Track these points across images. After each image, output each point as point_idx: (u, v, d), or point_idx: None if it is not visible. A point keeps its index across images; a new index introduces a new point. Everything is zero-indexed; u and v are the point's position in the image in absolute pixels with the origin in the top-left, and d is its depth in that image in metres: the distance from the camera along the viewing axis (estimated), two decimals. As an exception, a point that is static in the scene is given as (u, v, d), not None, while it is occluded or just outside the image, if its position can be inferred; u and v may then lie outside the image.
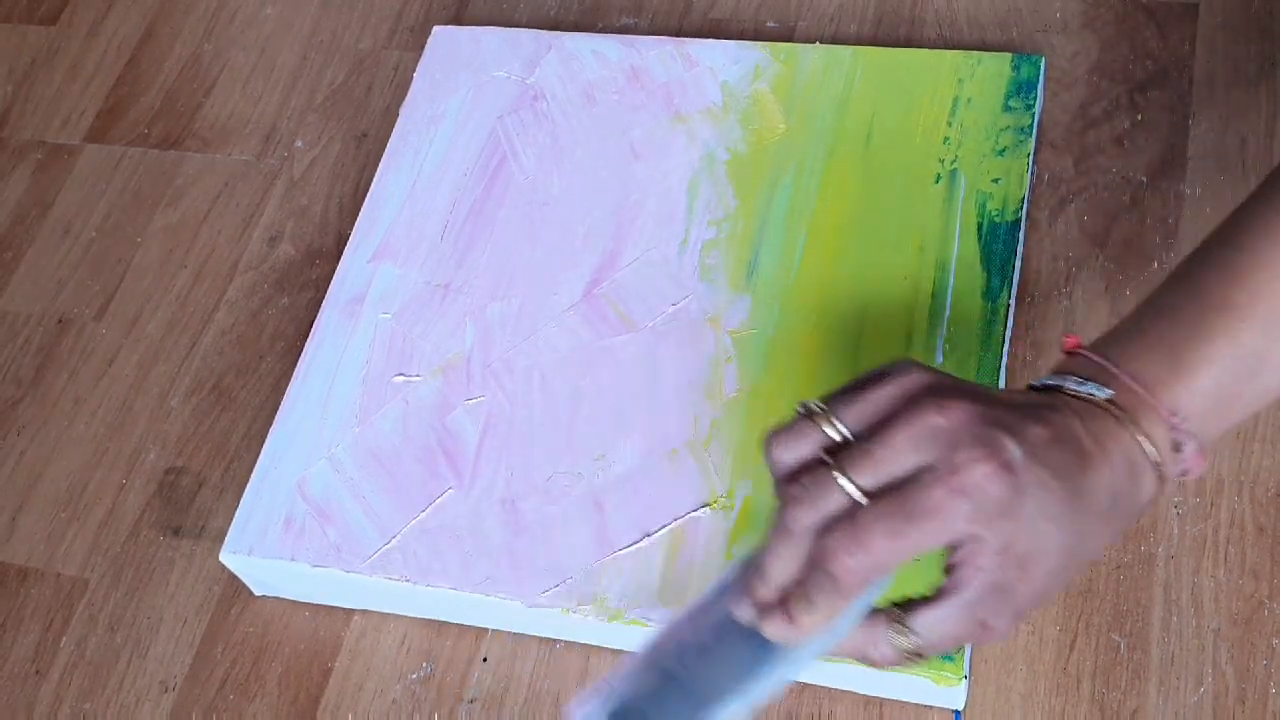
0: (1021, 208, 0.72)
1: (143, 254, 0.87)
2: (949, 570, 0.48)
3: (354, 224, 0.80)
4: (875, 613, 0.50)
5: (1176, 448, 0.50)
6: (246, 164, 0.90)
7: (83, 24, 1.00)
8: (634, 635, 0.65)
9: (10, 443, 0.81)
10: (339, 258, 0.79)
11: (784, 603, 0.49)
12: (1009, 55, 0.78)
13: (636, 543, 0.66)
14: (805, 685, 0.64)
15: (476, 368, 0.73)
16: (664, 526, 0.66)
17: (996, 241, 0.71)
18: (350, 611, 0.71)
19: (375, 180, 0.81)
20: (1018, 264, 0.72)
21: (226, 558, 0.70)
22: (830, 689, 0.64)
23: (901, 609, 0.49)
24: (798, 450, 0.50)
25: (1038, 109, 0.76)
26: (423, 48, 0.87)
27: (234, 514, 0.71)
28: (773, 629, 0.49)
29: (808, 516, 0.48)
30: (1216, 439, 0.52)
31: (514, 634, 0.68)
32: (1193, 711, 0.61)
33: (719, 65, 0.81)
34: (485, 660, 0.68)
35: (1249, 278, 0.50)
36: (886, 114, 0.77)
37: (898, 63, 0.79)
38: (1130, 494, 0.50)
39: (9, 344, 0.85)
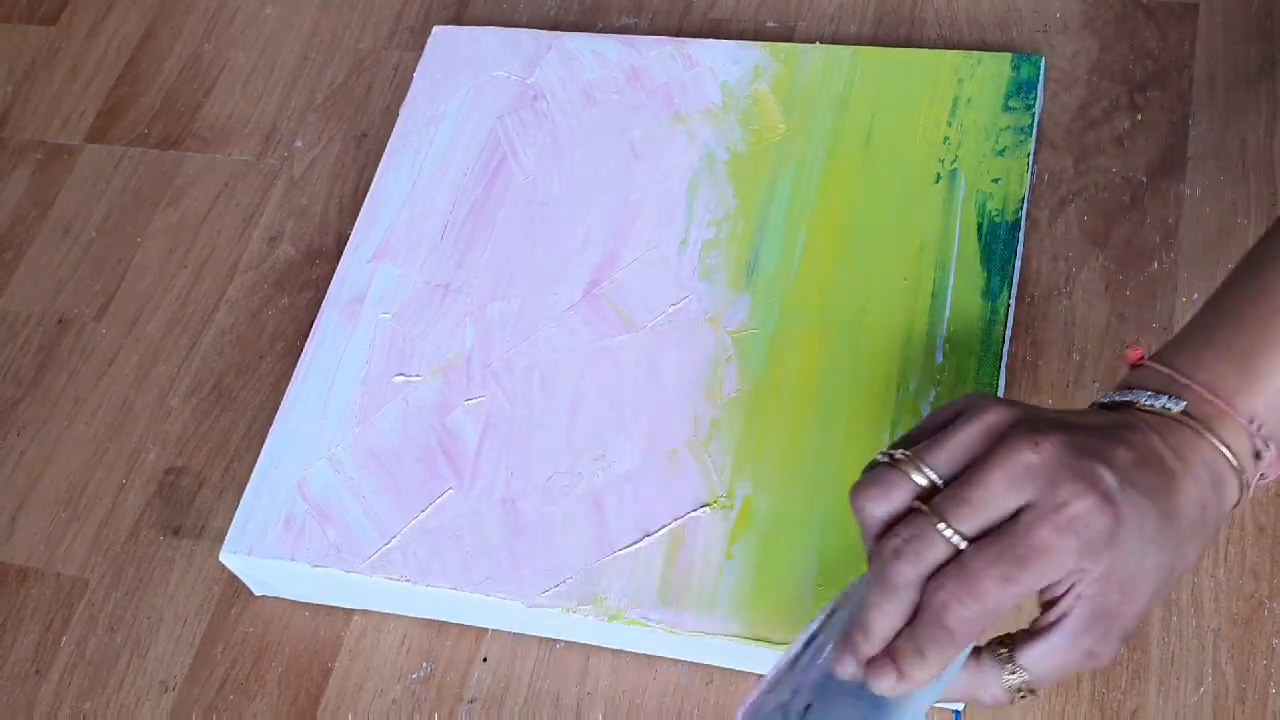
0: (1021, 208, 0.72)
1: (143, 254, 0.87)
2: (1048, 604, 0.48)
3: (354, 224, 0.80)
4: (977, 651, 0.50)
5: (1257, 455, 0.50)
6: (246, 164, 0.90)
7: (83, 24, 1.00)
8: (634, 635, 0.65)
9: (10, 443, 0.81)
10: (339, 258, 0.79)
11: (891, 656, 0.48)
12: (1009, 55, 0.78)
13: (636, 543, 0.66)
14: (805, 685, 0.64)
15: (476, 368, 0.73)
16: (664, 526, 0.66)
17: (996, 241, 0.71)
18: (350, 611, 0.71)
19: (375, 180, 0.81)
20: (1018, 264, 0.72)
21: (226, 558, 0.70)
22: (830, 689, 0.64)
23: (1005, 647, 0.50)
24: (889, 502, 0.49)
25: (1038, 109, 0.76)
26: (423, 48, 0.87)
27: (234, 514, 0.71)
28: (883, 684, 0.49)
29: (912, 570, 0.47)
30: None
31: (514, 634, 0.68)
32: (1193, 711, 0.61)
33: (719, 65, 0.81)
34: (485, 660, 0.68)
35: None
36: (886, 114, 0.77)
37: (898, 63, 0.79)
38: (1216, 503, 0.50)
39: (9, 344, 0.85)
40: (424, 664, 0.68)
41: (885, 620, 0.48)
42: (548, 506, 0.68)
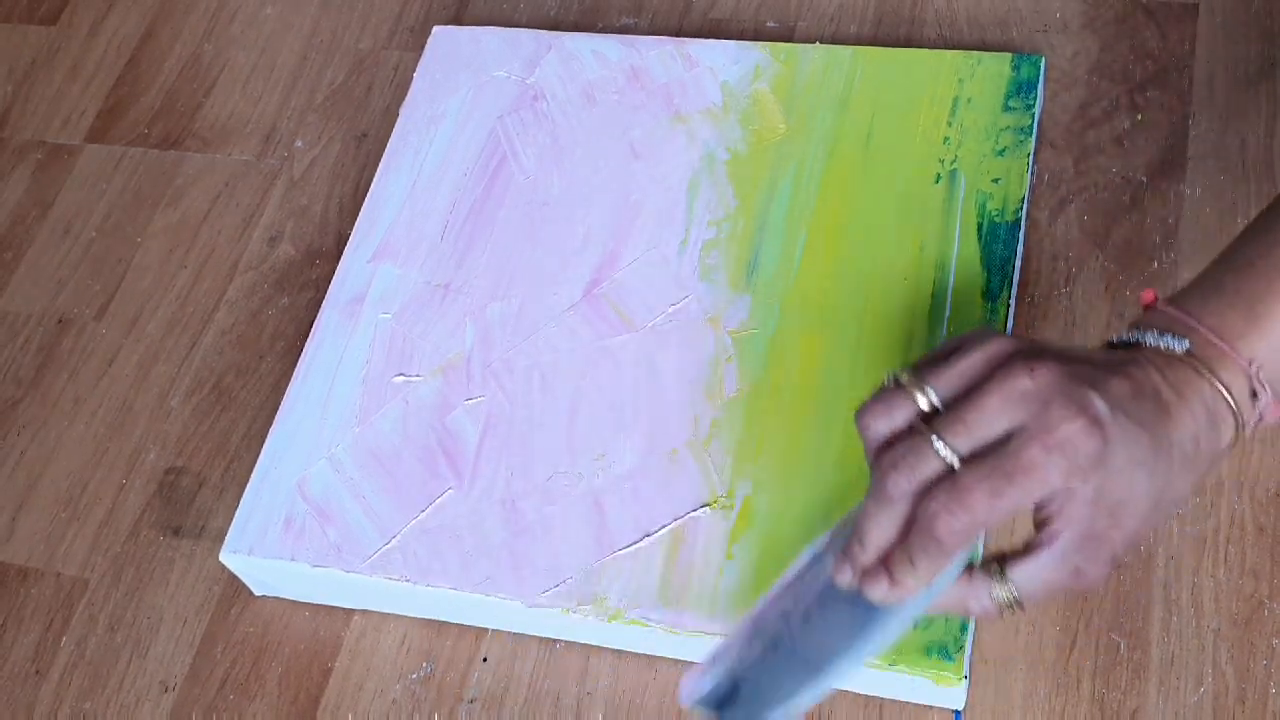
0: (1021, 208, 0.72)
1: (143, 254, 0.87)
2: (1041, 523, 0.50)
3: (354, 224, 0.80)
4: (972, 567, 0.52)
5: (1254, 395, 0.52)
6: (246, 164, 0.90)
7: (83, 24, 1.00)
8: (634, 635, 0.65)
9: (10, 443, 0.81)
10: (339, 258, 0.79)
11: (885, 565, 0.51)
12: (1009, 55, 0.78)
13: (636, 543, 0.66)
14: (805, 685, 0.64)
15: (476, 368, 0.73)
16: (664, 526, 0.66)
17: (996, 241, 0.71)
18: (350, 611, 0.71)
19: (375, 180, 0.81)
20: (1018, 264, 0.72)
21: (226, 558, 0.70)
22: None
23: (999, 562, 0.52)
24: (891, 420, 0.51)
25: (1038, 109, 0.76)
26: (423, 48, 0.87)
27: (234, 514, 0.71)
28: (876, 592, 0.52)
29: (906, 482, 0.50)
30: None
31: (514, 634, 0.68)
32: (1193, 711, 0.61)
33: (719, 65, 0.81)
34: (485, 660, 0.68)
35: None
36: (886, 114, 0.77)
37: (898, 63, 0.79)
38: (1211, 440, 0.52)
39: (9, 344, 0.85)
40: (424, 664, 0.69)
41: (880, 530, 0.51)
42: (548, 506, 0.68)
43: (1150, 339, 0.53)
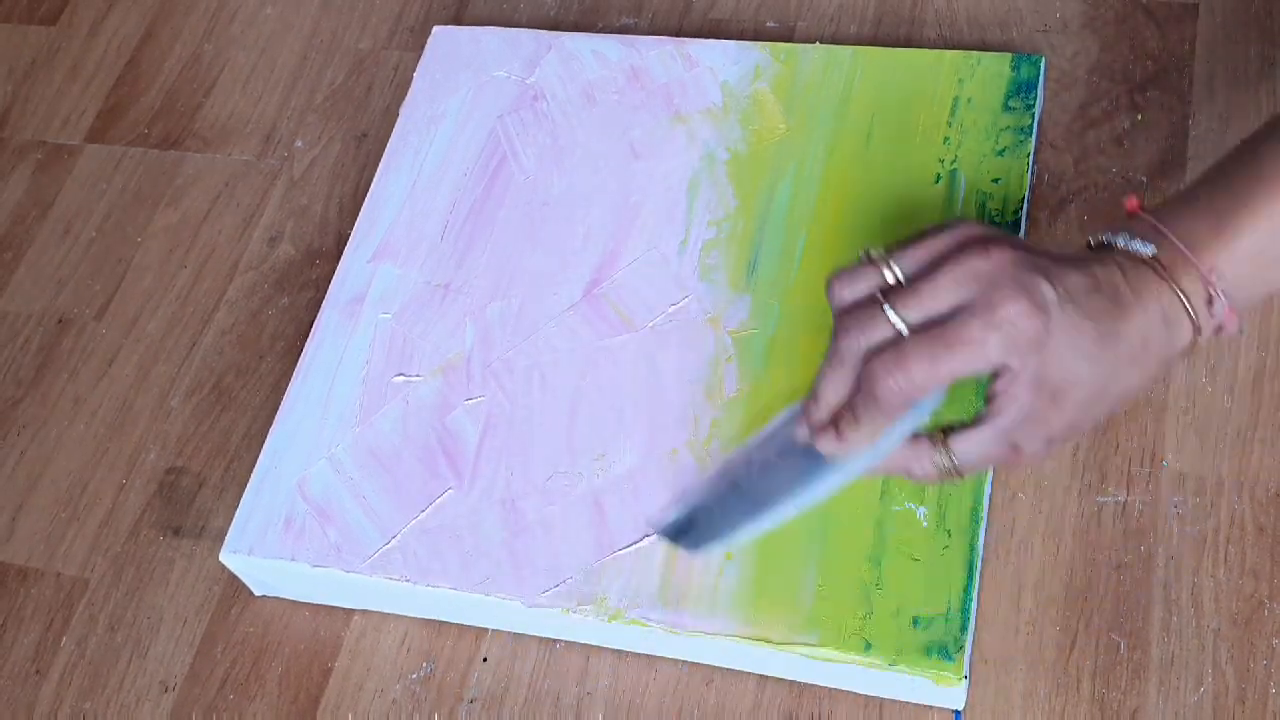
0: (1021, 208, 0.72)
1: (143, 254, 0.87)
2: (989, 400, 0.54)
3: (354, 224, 0.80)
4: (919, 435, 0.56)
5: (1210, 301, 0.54)
6: (246, 164, 0.90)
7: (83, 24, 1.00)
8: (634, 635, 0.65)
9: (10, 442, 0.81)
10: (339, 258, 0.79)
11: (835, 421, 0.55)
12: (1009, 55, 0.78)
13: (636, 543, 0.66)
14: (805, 685, 0.64)
15: (476, 368, 0.73)
16: (664, 526, 0.66)
17: (996, 241, 0.71)
18: (350, 611, 0.71)
19: (375, 180, 0.81)
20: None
21: (226, 558, 0.70)
22: (830, 689, 0.64)
23: (943, 432, 0.55)
24: (855, 288, 0.55)
25: (1038, 109, 0.76)
26: (423, 48, 0.87)
27: (234, 514, 0.71)
28: (824, 444, 0.56)
29: (856, 343, 0.54)
30: (1254, 300, 0.56)
31: (514, 634, 0.68)
32: (1193, 711, 0.61)
33: (719, 65, 0.81)
34: (485, 660, 0.68)
35: None
36: (886, 114, 0.77)
37: (898, 63, 0.79)
38: (1164, 341, 0.54)
39: (9, 344, 0.85)
40: (424, 664, 0.69)
41: (832, 389, 0.55)
42: (548, 506, 0.68)
43: (1121, 241, 0.55)
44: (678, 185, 0.77)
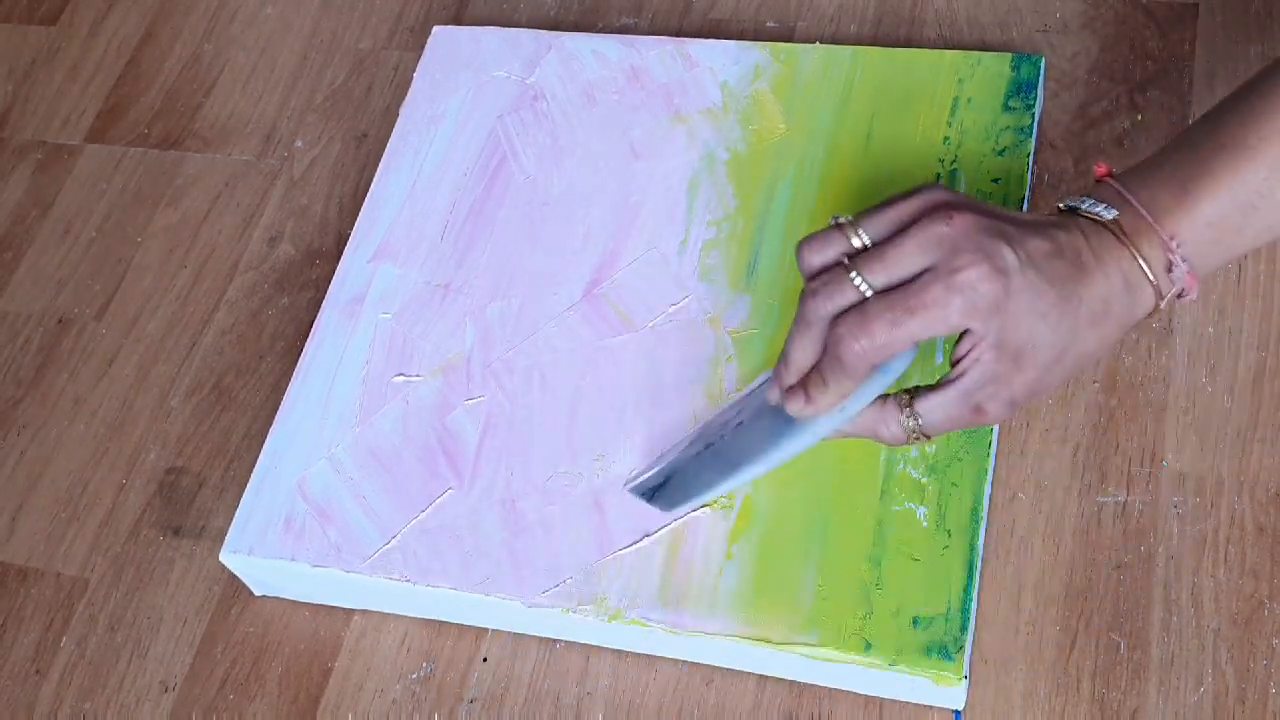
0: (1021, 208, 0.72)
1: (143, 254, 0.87)
2: (954, 364, 0.55)
3: (354, 224, 0.80)
4: (887, 398, 0.57)
5: (1170, 268, 0.55)
6: (247, 164, 0.90)
7: (83, 24, 1.00)
8: (634, 635, 0.65)
9: (10, 442, 0.81)
10: (339, 258, 0.79)
11: (804, 384, 0.57)
12: (1009, 55, 0.78)
13: (636, 543, 0.66)
14: (805, 685, 0.64)
15: (476, 368, 0.73)
16: (664, 526, 0.66)
17: (996, 241, 0.71)
18: (350, 611, 0.71)
19: (375, 180, 0.81)
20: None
21: (227, 558, 0.70)
22: (830, 689, 0.64)
23: (910, 395, 0.57)
24: (824, 254, 0.56)
25: (1037, 109, 0.76)
26: (423, 48, 0.87)
27: (234, 514, 0.71)
28: (793, 406, 0.57)
29: (823, 307, 0.55)
30: (1216, 266, 0.57)
31: (514, 634, 0.68)
32: (1193, 711, 0.61)
33: (719, 65, 0.81)
34: (485, 660, 0.68)
35: (1264, 121, 0.55)
36: (886, 114, 0.77)
37: (897, 63, 0.79)
38: (1125, 305, 0.56)
39: (9, 344, 0.85)
40: (424, 664, 0.69)
41: (801, 352, 0.56)
42: (548, 506, 0.68)
43: (1086, 205, 0.57)
44: (678, 185, 0.77)
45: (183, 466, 0.78)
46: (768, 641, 0.63)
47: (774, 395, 0.59)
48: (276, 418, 0.74)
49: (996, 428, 0.67)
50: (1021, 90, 0.76)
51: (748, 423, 0.62)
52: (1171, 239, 0.55)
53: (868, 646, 0.62)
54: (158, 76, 0.96)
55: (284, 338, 0.81)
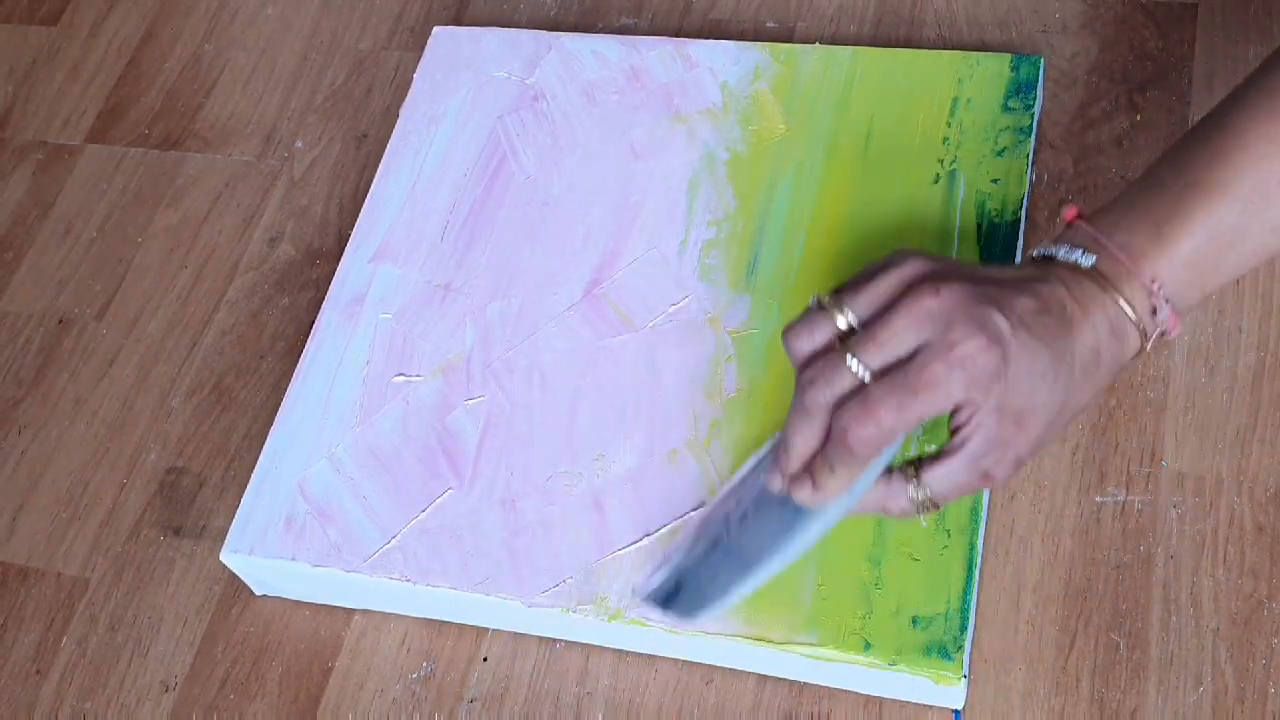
0: (1021, 208, 0.72)
1: (143, 254, 0.87)
2: (954, 430, 0.54)
3: (354, 224, 0.80)
4: (890, 471, 0.56)
5: (1154, 311, 0.55)
6: (247, 164, 0.90)
7: (84, 24, 1.00)
8: (634, 635, 0.65)
9: (11, 442, 0.81)
10: (339, 258, 0.79)
11: (809, 470, 0.56)
12: (1008, 56, 0.78)
13: (636, 542, 0.66)
14: (805, 685, 0.65)
15: (476, 368, 0.73)
16: (664, 526, 0.66)
17: (996, 242, 0.71)
18: (350, 611, 0.71)
19: (375, 181, 0.82)
20: (1017, 264, 0.71)
21: (227, 557, 0.70)
22: (830, 689, 0.64)
23: (915, 467, 0.56)
24: (812, 340, 0.56)
25: (1037, 109, 0.76)
26: (423, 48, 0.87)
27: (234, 514, 0.71)
28: (801, 495, 0.56)
29: (823, 395, 0.54)
30: (1196, 303, 0.57)
31: (514, 634, 0.69)
32: (1192, 711, 0.61)
33: (719, 65, 0.81)
34: (485, 660, 0.68)
35: (1231, 157, 0.55)
36: (886, 114, 0.77)
37: (897, 63, 0.79)
38: (1113, 351, 0.55)
39: (10, 344, 0.85)
40: (424, 664, 0.69)
41: (802, 440, 0.55)
42: (548, 506, 0.68)
43: (1062, 253, 0.56)
44: (678, 185, 0.77)
45: (183, 466, 0.78)
46: (768, 641, 0.63)
47: (776, 483, 0.57)
48: (277, 418, 0.74)
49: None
50: (1021, 90, 0.76)
51: (752, 514, 0.59)
52: (1153, 281, 0.55)
53: (867, 646, 0.62)
54: (158, 77, 0.96)
55: (284, 338, 0.81)
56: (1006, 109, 0.76)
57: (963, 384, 0.52)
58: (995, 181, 0.73)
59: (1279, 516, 0.65)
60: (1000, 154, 0.74)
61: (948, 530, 0.64)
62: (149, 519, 0.76)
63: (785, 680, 0.65)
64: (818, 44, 0.82)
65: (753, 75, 0.80)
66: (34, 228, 0.90)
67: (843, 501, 0.57)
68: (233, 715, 0.69)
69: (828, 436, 0.55)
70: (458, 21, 0.93)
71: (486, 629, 0.69)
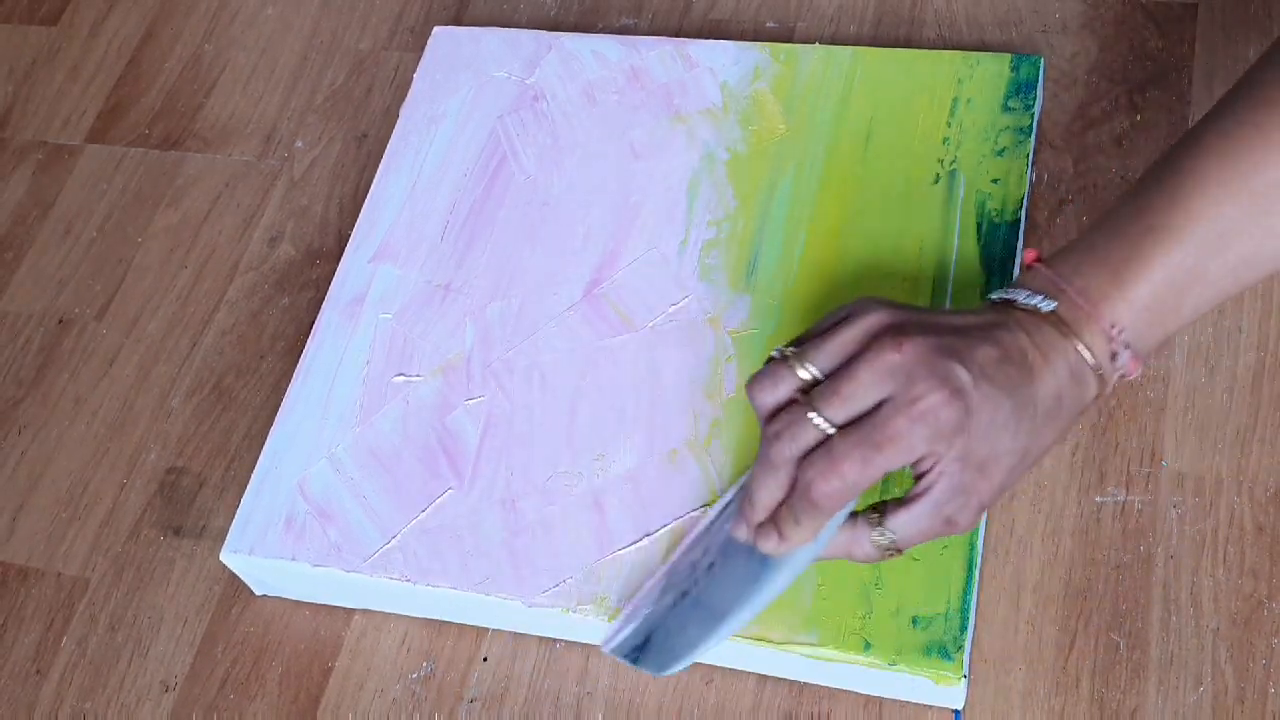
0: (1021, 208, 0.72)
1: (143, 254, 0.87)
2: (918, 477, 0.55)
3: (354, 224, 0.80)
4: (854, 516, 0.57)
5: (1114, 356, 0.56)
6: (247, 164, 0.90)
7: (84, 24, 1.00)
8: (634, 635, 0.65)
9: (11, 442, 0.81)
10: (339, 258, 0.79)
11: (774, 521, 0.57)
12: (1008, 56, 0.78)
13: (636, 542, 0.66)
14: (805, 685, 0.65)
15: (476, 368, 0.73)
16: (664, 526, 0.66)
17: (996, 242, 0.71)
18: (350, 611, 0.71)
19: (375, 181, 0.82)
20: (1017, 264, 0.72)
21: (227, 557, 0.70)
22: (830, 689, 0.64)
23: (878, 512, 0.56)
24: (775, 393, 0.56)
25: (1037, 109, 0.76)
26: (423, 48, 0.87)
27: (234, 514, 0.71)
28: (767, 545, 0.57)
29: (788, 449, 0.55)
30: (1156, 345, 0.57)
31: (514, 634, 0.69)
32: (1192, 711, 0.61)
33: (719, 66, 0.81)
34: (485, 660, 0.68)
35: (1188, 201, 0.55)
36: (886, 114, 0.77)
37: (897, 63, 0.79)
38: (1074, 395, 0.56)
39: (10, 344, 0.85)
40: (424, 664, 0.69)
41: (767, 493, 0.56)
42: (548, 506, 0.68)
43: (1022, 298, 0.57)
44: (678, 185, 0.77)
45: (183, 466, 0.78)
46: (768, 641, 0.63)
47: (741, 533, 0.58)
48: (277, 418, 0.74)
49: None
50: (1021, 90, 0.76)
51: (719, 564, 0.60)
52: (1112, 326, 0.56)
53: (867, 646, 0.62)
54: (158, 77, 0.96)
55: (284, 338, 0.81)
56: (1006, 109, 0.76)
57: (925, 438, 0.53)
58: (995, 181, 0.73)
59: (1279, 516, 0.65)
60: (1000, 154, 0.74)
61: (948, 530, 0.64)
62: (149, 519, 0.76)
63: (785, 680, 0.65)
64: (818, 44, 0.82)
65: (753, 75, 0.80)
66: (34, 228, 0.90)
67: (809, 550, 0.57)
68: (233, 715, 0.69)
69: (793, 488, 0.55)
70: (458, 21, 0.93)
71: (486, 629, 0.69)
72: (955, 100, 0.77)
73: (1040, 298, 0.56)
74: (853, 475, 0.53)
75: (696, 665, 0.66)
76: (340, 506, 0.70)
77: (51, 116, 0.95)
